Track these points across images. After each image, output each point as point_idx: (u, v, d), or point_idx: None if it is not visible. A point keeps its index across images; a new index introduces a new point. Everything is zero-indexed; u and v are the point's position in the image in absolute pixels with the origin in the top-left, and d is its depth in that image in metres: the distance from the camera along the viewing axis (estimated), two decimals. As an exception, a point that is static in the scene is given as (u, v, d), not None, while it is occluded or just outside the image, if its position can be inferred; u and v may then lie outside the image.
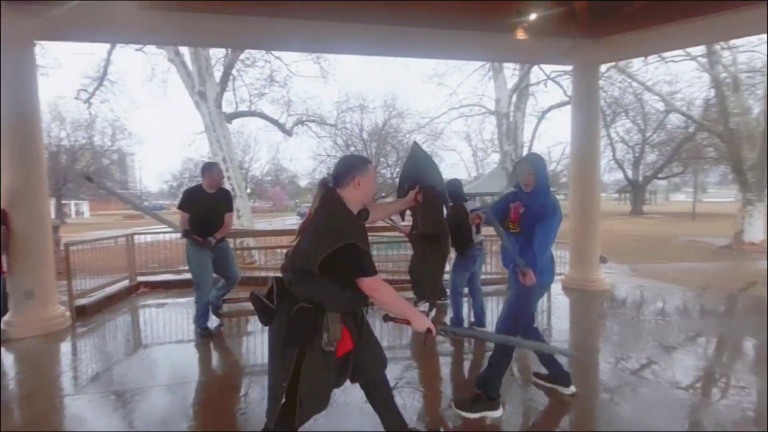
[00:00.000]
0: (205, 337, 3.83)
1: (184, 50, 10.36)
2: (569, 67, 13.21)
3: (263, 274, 6.80)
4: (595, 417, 2.42)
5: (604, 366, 3.16)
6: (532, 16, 4.19)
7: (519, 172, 2.58)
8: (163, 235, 7.02)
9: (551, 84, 13.49)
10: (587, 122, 5.36)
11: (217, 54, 11.49)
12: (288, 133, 16.03)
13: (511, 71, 13.34)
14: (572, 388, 2.59)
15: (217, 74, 11.24)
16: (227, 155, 10.43)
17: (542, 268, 2.35)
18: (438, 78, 20.04)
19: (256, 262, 10.38)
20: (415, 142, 2.94)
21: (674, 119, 26.21)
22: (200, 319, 3.90)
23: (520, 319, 2.48)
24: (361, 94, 32.04)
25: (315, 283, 1.63)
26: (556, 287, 5.49)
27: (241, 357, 3.59)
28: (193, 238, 3.68)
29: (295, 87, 34.29)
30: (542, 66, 12.81)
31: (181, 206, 3.78)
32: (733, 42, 14.04)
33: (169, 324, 4.42)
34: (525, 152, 13.91)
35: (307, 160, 29.83)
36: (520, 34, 4.30)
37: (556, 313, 4.57)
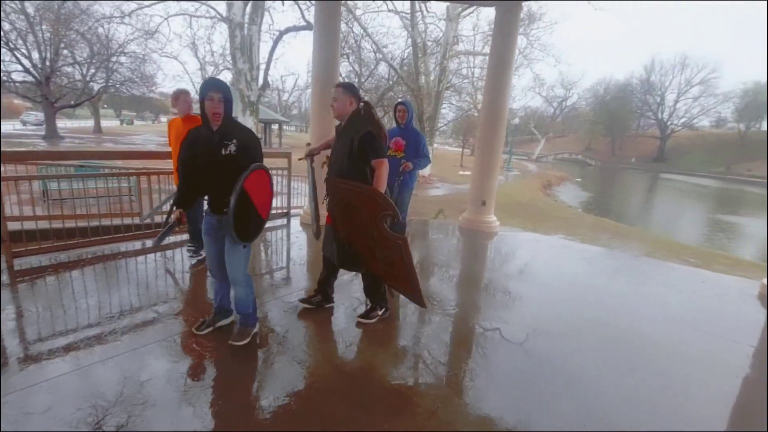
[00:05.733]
0: None
1: None
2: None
3: None
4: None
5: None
6: None
7: (398, 111, 3.84)
8: None
9: (288, 4, 12.72)
10: (329, 50, 5.16)
11: None
12: None
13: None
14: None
15: None
16: None
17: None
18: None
19: None
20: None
21: (381, 70, 31.14)
22: None
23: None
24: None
25: None
26: (295, 222, 5.51)
27: None
28: None
29: None
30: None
31: None
32: (426, 13, 17.29)
33: None
34: (262, 74, 12.98)
35: None
36: None
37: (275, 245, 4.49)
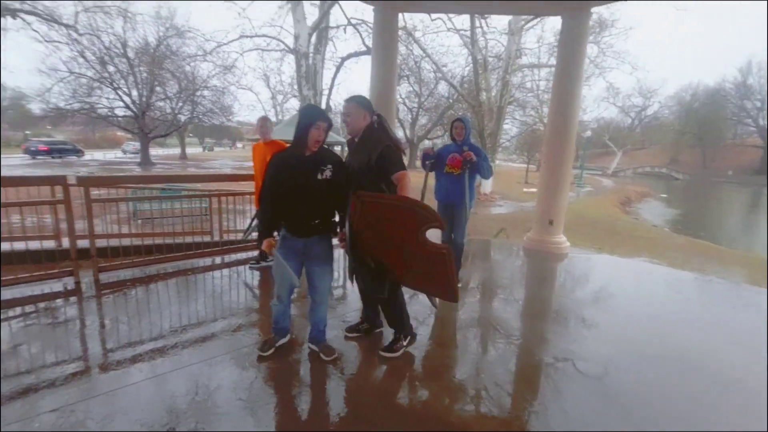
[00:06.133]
0: None
1: None
2: (368, 17, 13.36)
3: None
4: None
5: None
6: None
7: (455, 128, 3.56)
8: None
9: (350, 33, 13.31)
10: (386, 68, 5.21)
11: None
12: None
13: (311, 6, 12.40)
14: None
15: None
16: None
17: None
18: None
19: None
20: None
21: (441, 89, 31.22)
22: None
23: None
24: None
25: None
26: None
27: None
28: None
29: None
30: (344, 9, 12.39)
31: None
32: (486, 28, 17.10)
33: None
34: (325, 99, 13.61)
35: (30, 74, 21.03)
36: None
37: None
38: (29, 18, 12.44)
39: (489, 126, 18.46)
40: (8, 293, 3.21)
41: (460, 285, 3.94)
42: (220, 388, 2.18)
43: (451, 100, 28.94)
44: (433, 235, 4.23)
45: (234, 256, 4.51)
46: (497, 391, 2.29)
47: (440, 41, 43.86)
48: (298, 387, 2.27)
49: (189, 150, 39.36)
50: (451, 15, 15.22)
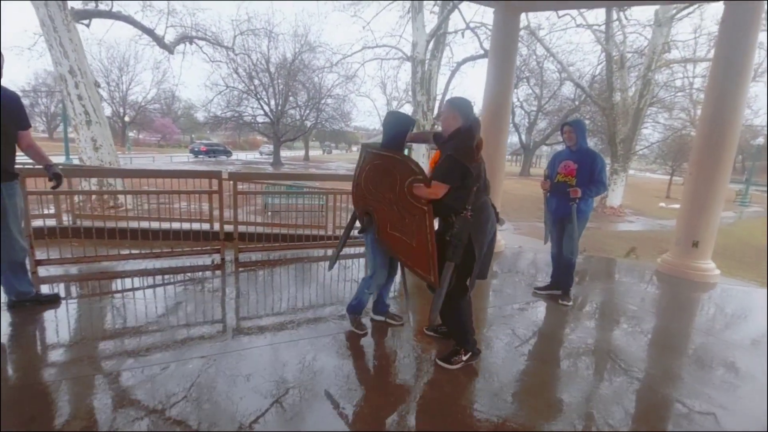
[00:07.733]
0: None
1: None
2: (488, 20, 13.03)
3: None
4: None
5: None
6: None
7: (564, 133, 3.43)
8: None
9: (468, 37, 13.18)
10: (503, 71, 5.05)
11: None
12: (168, 49, 13.21)
13: (430, 14, 12.63)
14: None
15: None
16: (76, 65, 8.06)
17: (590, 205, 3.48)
18: (353, 5, 17.14)
19: (122, 207, 8.67)
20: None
21: (566, 91, 28.66)
22: None
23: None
24: (261, 15, 28.14)
25: None
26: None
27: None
28: None
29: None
30: (463, 14, 12.35)
31: None
32: (625, 21, 15.22)
33: None
34: (438, 104, 13.74)
35: (198, 88, 25.75)
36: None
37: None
38: (200, 42, 15.38)
39: (623, 131, 16.37)
40: (174, 262, 4.02)
41: (570, 303, 3.61)
42: (325, 365, 2.39)
43: (576, 103, 26.41)
44: (544, 250, 3.95)
45: (347, 250, 4.87)
46: (613, 424, 2.04)
47: (568, 38, 40.43)
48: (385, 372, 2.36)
49: (311, 152, 43.53)
50: (582, 10, 13.93)
